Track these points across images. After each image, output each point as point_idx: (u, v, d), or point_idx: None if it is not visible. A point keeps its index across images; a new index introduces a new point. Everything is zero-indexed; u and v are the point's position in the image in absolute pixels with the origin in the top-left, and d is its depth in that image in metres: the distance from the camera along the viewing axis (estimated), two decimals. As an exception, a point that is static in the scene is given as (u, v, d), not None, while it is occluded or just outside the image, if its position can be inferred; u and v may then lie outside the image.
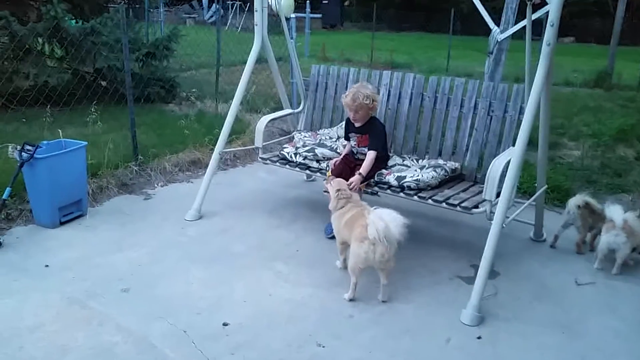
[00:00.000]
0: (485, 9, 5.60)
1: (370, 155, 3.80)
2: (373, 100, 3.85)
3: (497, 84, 3.92)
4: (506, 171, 3.23)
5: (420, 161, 4.03)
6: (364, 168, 3.76)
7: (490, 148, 3.87)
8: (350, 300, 3.20)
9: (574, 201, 3.91)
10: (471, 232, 4.23)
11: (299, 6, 16.51)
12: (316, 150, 4.11)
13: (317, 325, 2.99)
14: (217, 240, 3.97)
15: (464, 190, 3.73)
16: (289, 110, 4.90)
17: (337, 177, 3.82)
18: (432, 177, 3.68)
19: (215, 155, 4.42)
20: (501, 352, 2.83)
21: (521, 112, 3.73)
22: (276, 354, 2.75)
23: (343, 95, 3.96)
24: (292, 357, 2.73)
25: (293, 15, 6.93)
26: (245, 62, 4.50)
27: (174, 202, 4.67)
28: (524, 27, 5.60)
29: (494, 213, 3.32)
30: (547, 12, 3.15)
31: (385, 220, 2.94)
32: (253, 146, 4.55)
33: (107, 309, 3.09)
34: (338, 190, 3.46)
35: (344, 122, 4.18)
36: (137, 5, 10.85)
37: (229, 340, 2.83)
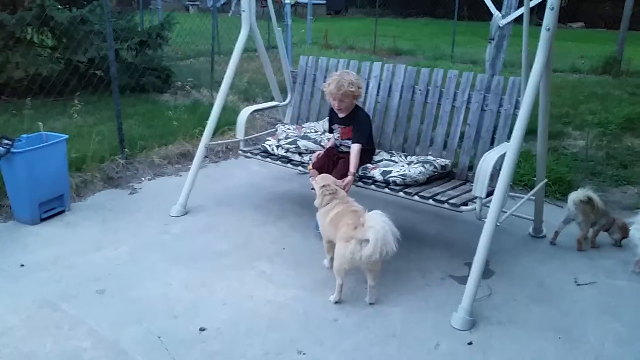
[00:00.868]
0: (488, -7, 5.36)
1: (355, 149, 3.61)
2: (358, 87, 3.66)
3: (492, 77, 3.70)
4: (500, 166, 3.05)
5: (408, 157, 3.83)
6: (353, 164, 3.57)
7: (483, 145, 3.65)
8: (336, 302, 3.04)
9: (575, 196, 3.71)
10: (466, 228, 4.05)
11: (302, -8, 16.26)
12: (299, 143, 3.92)
13: (299, 330, 2.83)
14: (200, 238, 3.82)
15: (453, 188, 3.53)
16: (274, 103, 4.72)
17: (318, 170, 3.65)
18: (420, 173, 3.48)
19: (200, 149, 4.26)
20: (493, 359, 2.66)
21: (517, 106, 3.51)
22: (253, 363, 2.60)
23: (325, 84, 3.74)
24: (269, 365, 2.59)
25: (289, 1, 6.71)
26: (248, 50, 4.32)
27: (160, 196, 4.51)
28: (535, 14, 5.40)
29: (484, 211, 3.15)
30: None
31: (385, 229, 2.77)
32: (237, 139, 4.37)
33: (80, 312, 2.95)
34: (323, 186, 3.29)
35: (329, 114, 4.00)
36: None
37: (204, 348, 2.68)
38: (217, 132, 5.85)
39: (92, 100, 6.58)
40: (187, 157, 5.40)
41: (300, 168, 3.93)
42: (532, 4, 3.24)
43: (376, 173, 3.53)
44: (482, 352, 2.70)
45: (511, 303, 3.12)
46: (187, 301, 3.05)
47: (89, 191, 4.56)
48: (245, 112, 4.35)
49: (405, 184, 3.45)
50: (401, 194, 3.43)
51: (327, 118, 4.12)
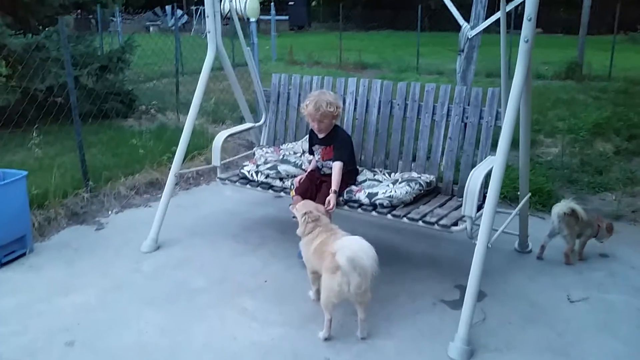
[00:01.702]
0: (454, 4, 5.33)
1: (337, 166, 3.47)
2: (337, 107, 3.54)
3: (470, 88, 3.62)
4: (486, 183, 2.94)
5: (392, 175, 3.71)
6: (335, 182, 3.43)
7: (467, 158, 3.57)
8: (326, 339, 2.85)
9: (559, 209, 3.63)
10: (452, 246, 3.93)
11: (264, 8, 16.13)
12: (279, 168, 3.76)
13: (288, 372, 2.65)
14: (174, 275, 3.59)
15: (440, 206, 3.42)
16: (250, 124, 4.53)
17: (301, 195, 3.50)
18: (407, 193, 3.36)
19: (170, 178, 4.04)
20: (495, 391, 2.53)
21: (497, 117, 3.45)
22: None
23: (303, 105, 3.61)
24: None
25: (253, 19, 6.56)
26: (213, 68, 4.14)
27: (129, 231, 4.27)
28: (494, 21, 5.38)
29: (475, 230, 3.04)
30: (522, 3, 2.87)
31: (353, 249, 2.61)
32: (211, 165, 4.17)
33: (48, 368, 2.70)
34: (305, 213, 3.13)
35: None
36: (90, 16, 10.33)
37: (187, 401, 2.47)
38: (186, 157, 5.63)
39: (52, 130, 6.26)
40: (156, 186, 5.16)
41: (282, 194, 3.76)
42: (508, 9, 3.15)
43: (362, 196, 3.38)
44: (483, 384, 2.57)
45: (506, 326, 3.00)
46: (164, 349, 2.82)
47: (52, 229, 4.27)
48: (221, 136, 4.15)
49: (392, 206, 3.32)
50: (389, 216, 3.29)
51: (306, 137, 3.98)
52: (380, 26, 27.27)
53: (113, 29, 10.84)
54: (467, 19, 5.40)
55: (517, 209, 3.45)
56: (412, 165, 3.79)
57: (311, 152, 3.78)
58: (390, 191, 3.35)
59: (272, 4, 15.81)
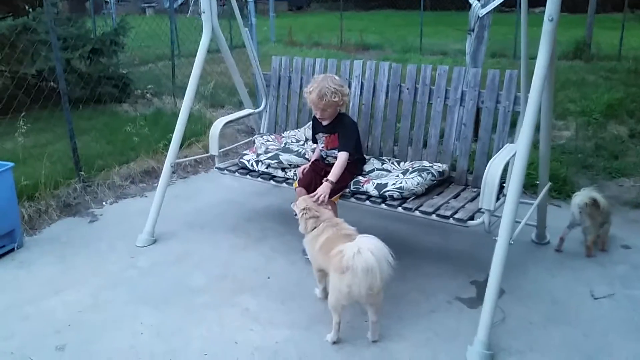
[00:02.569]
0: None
1: (341, 157, 3.24)
2: (342, 95, 3.29)
3: (486, 70, 3.38)
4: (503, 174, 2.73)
5: (402, 164, 3.48)
6: (334, 173, 3.19)
7: (482, 146, 3.34)
8: (334, 342, 2.65)
9: (580, 200, 3.41)
10: (466, 238, 3.72)
11: (262, -12, 15.76)
12: (281, 157, 3.53)
13: (295, 380, 2.45)
14: (172, 271, 3.38)
15: (455, 197, 3.20)
16: (249, 110, 4.28)
17: (305, 187, 3.28)
18: (418, 184, 3.13)
19: (166, 168, 3.80)
20: (519, 400, 2.33)
21: (516, 102, 3.21)
22: None
23: (306, 91, 3.34)
24: None
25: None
26: (210, 51, 3.90)
27: (125, 223, 4.05)
28: (504, 1, 5.10)
29: (494, 224, 2.83)
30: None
31: (374, 254, 2.39)
32: (208, 154, 3.95)
33: (36, 377, 2.50)
34: (304, 209, 2.91)
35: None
36: (83, -3, 9.99)
37: (186, 414, 2.28)
38: (183, 144, 5.39)
39: (43, 116, 6.00)
40: (152, 174, 4.94)
41: (284, 184, 3.53)
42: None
43: (370, 187, 3.16)
44: (507, 392, 2.37)
45: (528, 327, 2.80)
46: (161, 354, 2.62)
47: (43, 222, 4.06)
48: (219, 123, 3.91)
49: (403, 198, 3.10)
50: (400, 209, 3.07)
51: (309, 124, 3.74)
52: (381, 5, 26.75)
53: (107, 11, 10.51)
54: (477, -2, 5.12)
55: (537, 199, 3.23)
56: (423, 153, 3.56)
57: (314, 141, 3.55)
58: (401, 182, 3.13)
59: (271, -17, 15.40)
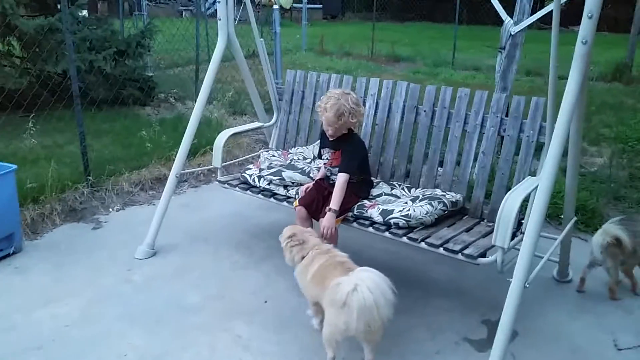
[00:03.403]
0: (497, -4, 4.81)
1: (340, 179, 3.04)
2: (359, 116, 3.11)
3: (510, 92, 3.16)
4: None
5: (412, 190, 3.27)
6: (335, 200, 3.00)
7: (501, 177, 3.10)
8: (327, 380, 2.46)
9: (601, 239, 3.11)
10: (481, 271, 3.45)
11: (298, -4, 15.72)
12: (283, 174, 3.36)
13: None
14: (168, 288, 3.24)
15: (467, 230, 2.97)
16: (258, 124, 4.14)
17: (306, 207, 3.12)
18: (427, 213, 2.91)
19: (171, 179, 3.68)
20: None
21: (541, 132, 2.97)
22: None
23: (322, 106, 3.11)
24: None
25: (276, 6, 6.14)
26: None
27: (128, 231, 3.94)
28: (542, 16, 4.84)
29: (507, 263, 2.59)
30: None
31: (372, 292, 2.19)
32: (211, 166, 3.82)
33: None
34: (289, 237, 2.75)
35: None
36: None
37: None
38: (197, 152, 5.30)
39: (65, 116, 5.98)
40: (163, 182, 4.75)
41: (285, 203, 3.36)
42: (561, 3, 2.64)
43: (374, 213, 2.96)
44: None
45: (541, 377, 2.55)
46: (143, 380, 2.48)
47: (46, 227, 3.98)
48: (223, 135, 3.78)
49: (410, 227, 2.89)
50: (404, 239, 2.86)
51: (317, 142, 3.56)
52: (418, 17, 26.49)
53: (140, 13, 10.57)
54: (510, 14, 4.88)
55: (561, 235, 2.97)
56: (437, 180, 3.34)
57: (320, 155, 3.37)
58: (408, 209, 2.91)
59: (306, -9, 15.38)
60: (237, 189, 3.57)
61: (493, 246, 2.64)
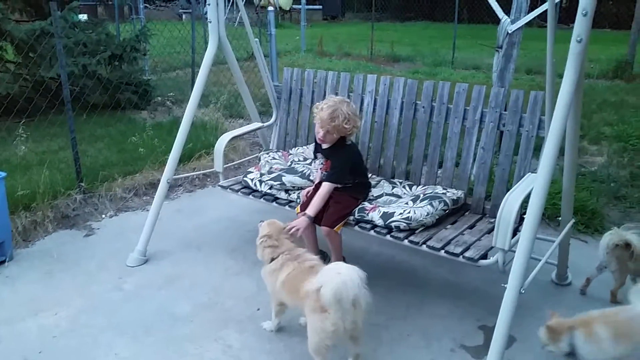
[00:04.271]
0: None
1: (323, 188, 3.02)
2: (354, 126, 3.05)
3: (509, 90, 3.09)
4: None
5: (414, 188, 3.21)
6: (312, 207, 2.98)
7: (502, 172, 3.05)
8: (319, 391, 2.40)
9: (609, 240, 3.03)
10: (479, 274, 3.40)
11: (297, -3, 15.66)
12: (284, 179, 3.31)
13: None
14: (158, 296, 3.18)
15: (470, 227, 2.92)
16: (258, 124, 4.08)
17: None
18: (428, 214, 2.86)
19: (162, 185, 3.63)
20: None
21: (540, 126, 2.92)
22: None
23: (319, 107, 3.07)
24: None
25: (271, 8, 6.08)
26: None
27: (121, 238, 3.88)
28: (539, 14, 4.77)
29: (509, 263, 2.52)
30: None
31: (336, 283, 2.16)
32: (212, 170, 3.76)
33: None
34: (264, 236, 2.70)
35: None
36: (109, 2, 10.02)
37: None
38: (192, 156, 5.24)
39: (57, 121, 5.93)
40: (157, 187, 4.71)
41: (287, 207, 3.31)
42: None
43: (375, 216, 2.91)
44: None
45: (539, 385, 2.48)
46: (130, 393, 2.42)
47: (38, 234, 3.92)
48: (224, 138, 3.74)
49: (410, 229, 2.83)
50: (406, 242, 2.81)
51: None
52: (417, 17, 26.40)
53: (137, 16, 10.53)
54: (507, 12, 4.81)
55: (558, 238, 2.89)
56: (438, 177, 3.29)
57: (316, 157, 3.34)
58: (409, 211, 2.86)
59: (305, -8, 15.28)
60: (239, 193, 3.52)
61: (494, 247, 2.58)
